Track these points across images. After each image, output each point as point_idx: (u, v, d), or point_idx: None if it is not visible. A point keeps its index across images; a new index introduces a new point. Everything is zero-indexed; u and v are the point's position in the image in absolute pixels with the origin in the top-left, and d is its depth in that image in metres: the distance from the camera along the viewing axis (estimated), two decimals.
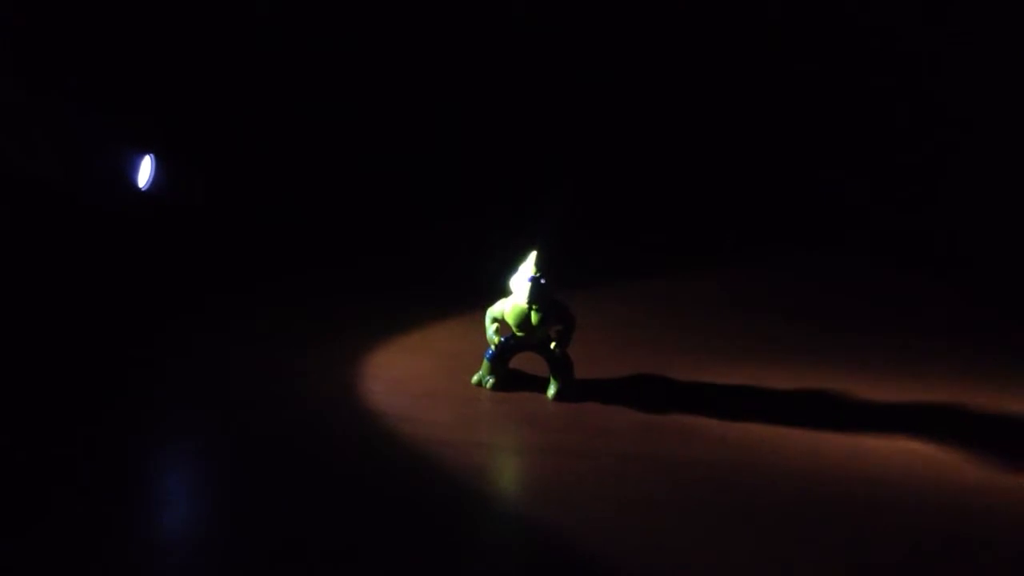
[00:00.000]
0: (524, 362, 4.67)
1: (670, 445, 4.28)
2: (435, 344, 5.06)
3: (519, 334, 4.57)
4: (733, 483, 4.04)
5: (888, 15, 6.76)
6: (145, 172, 5.29)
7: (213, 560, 3.58)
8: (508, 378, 4.65)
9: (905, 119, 6.79)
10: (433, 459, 4.13)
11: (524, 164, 6.73)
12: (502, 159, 6.76)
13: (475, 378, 4.67)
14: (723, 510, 3.88)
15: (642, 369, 4.83)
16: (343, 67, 6.69)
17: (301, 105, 6.56)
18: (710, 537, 3.73)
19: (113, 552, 3.55)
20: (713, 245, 6.50)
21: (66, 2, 5.44)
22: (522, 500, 4.06)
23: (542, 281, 4.46)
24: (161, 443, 4.24)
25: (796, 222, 6.60)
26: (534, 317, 4.52)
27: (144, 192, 5.31)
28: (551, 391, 4.59)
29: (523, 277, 4.49)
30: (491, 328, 4.60)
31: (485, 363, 4.64)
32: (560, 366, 4.58)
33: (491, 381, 4.64)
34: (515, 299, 4.53)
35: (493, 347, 4.61)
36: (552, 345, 4.57)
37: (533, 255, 4.50)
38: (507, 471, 4.28)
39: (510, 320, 4.56)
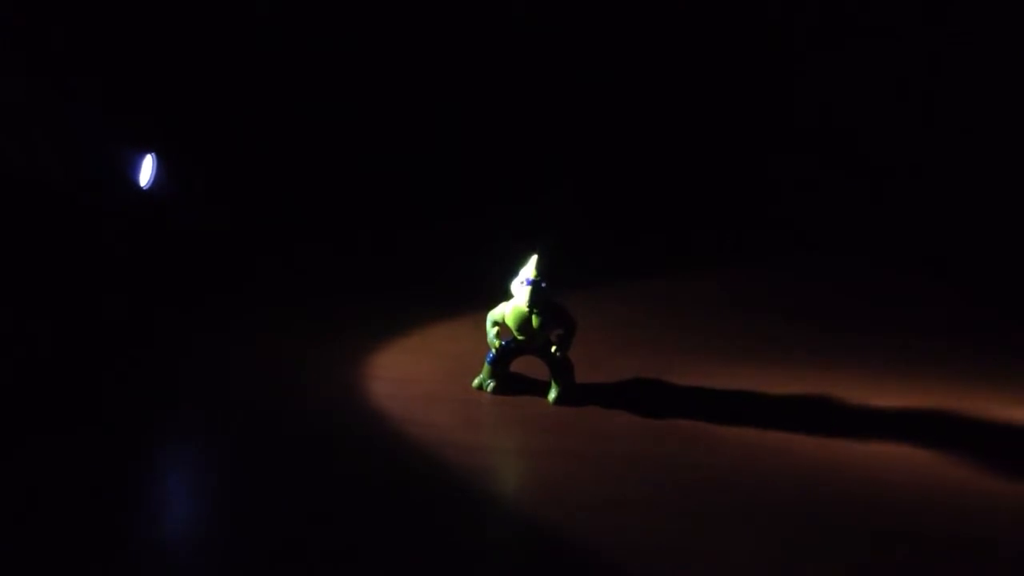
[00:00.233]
0: (525, 366, 4.67)
1: (671, 447, 4.28)
2: (436, 346, 5.05)
3: (520, 338, 4.57)
4: (734, 484, 4.04)
5: (888, 15, 6.76)
6: (147, 171, 5.29)
7: (213, 560, 3.58)
8: (509, 381, 4.65)
9: (905, 119, 6.79)
10: (434, 461, 4.13)
11: (524, 164, 6.73)
12: (502, 159, 6.76)
13: (476, 381, 4.66)
14: (724, 511, 3.88)
15: (642, 370, 4.83)
16: (343, 67, 6.69)
17: (301, 105, 6.56)
18: (711, 538, 3.73)
19: (113, 552, 3.55)
20: (713, 245, 6.50)
21: (66, 2, 5.44)
22: (523, 502, 4.05)
23: (543, 285, 4.46)
24: (161, 443, 4.24)
25: (796, 222, 6.60)
26: (535, 321, 4.52)
27: (145, 191, 5.31)
28: (552, 395, 4.58)
29: (524, 281, 4.49)
30: (492, 331, 4.59)
31: (486, 366, 4.64)
32: (561, 370, 4.57)
33: (492, 384, 4.63)
34: (516, 302, 4.53)
35: (494, 350, 4.61)
36: (553, 349, 4.56)
37: (534, 258, 4.49)
38: (508, 473, 4.28)
39: (511, 324, 4.55)
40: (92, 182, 5.25)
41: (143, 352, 4.89)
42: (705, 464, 4.17)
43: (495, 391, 4.63)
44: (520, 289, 4.49)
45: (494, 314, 4.59)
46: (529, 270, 4.48)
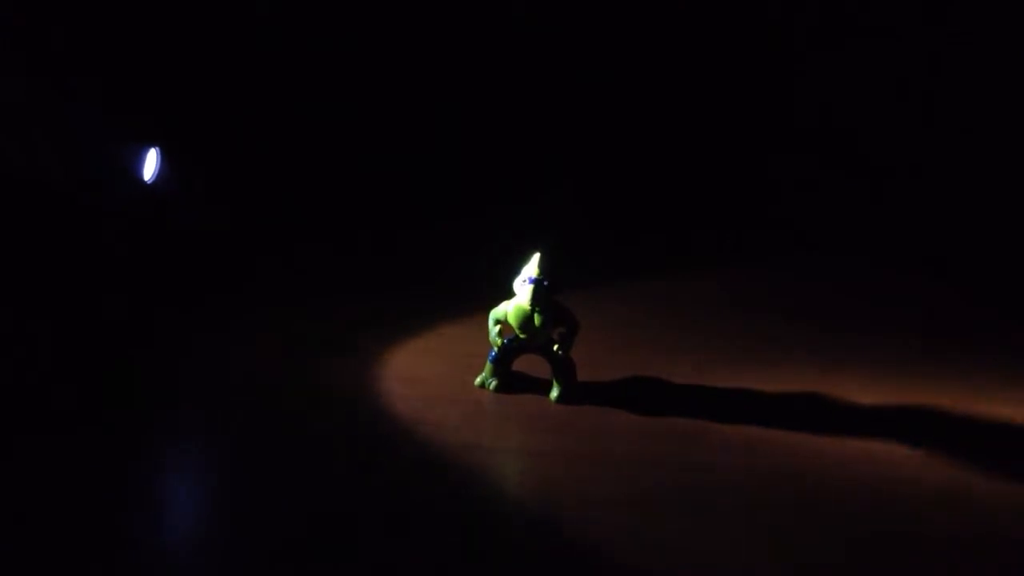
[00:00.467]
0: (527, 364, 4.67)
1: (672, 447, 4.28)
2: (437, 345, 5.05)
3: (522, 336, 4.57)
4: (736, 484, 4.04)
5: (888, 15, 6.76)
6: (151, 166, 5.28)
7: (213, 560, 3.58)
8: (511, 380, 4.65)
9: (905, 119, 6.79)
10: (435, 460, 4.13)
11: (524, 164, 6.73)
12: (502, 159, 6.76)
13: (478, 380, 4.67)
14: (725, 510, 3.88)
15: (643, 370, 4.83)
16: (343, 67, 6.68)
17: (301, 105, 6.56)
18: (712, 538, 3.73)
19: (113, 552, 3.55)
20: (713, 245, 6.50)
21: (66, 2, 5.44)
22: (524, 501, 4.06)
23: (545, 283, 4.46)
24: (161, 443, 4.24)
25: (796, 222, 6.60)
26: (537, 319, 4.52)
27: (148, 186, 5.30)
28: (554, 393, 4.58)
29: (526, 279, 4.49)
30: (494, 330, 4.59)
31: (488, 365, 4.64)
32: (563, 368, 4.57)
33: (494, 383, 4.64)
34: (518, 301, 4.53)
35: (496, 349, 4.61)
36: (555, 347, 4.57)
37: (536, 257, 4.50)
38: (509, 473, 4.28)
39: (513, 322, 4.55)
40: (92, 182, 5.24)
41: (143, 352, 4.89)
42: (707, 464, 4.17)
43: (497, 390, 4.63)
44: (522, 288, 4.49)
45: (496, 313, 4.59)
46: (532, 269, 4.48)
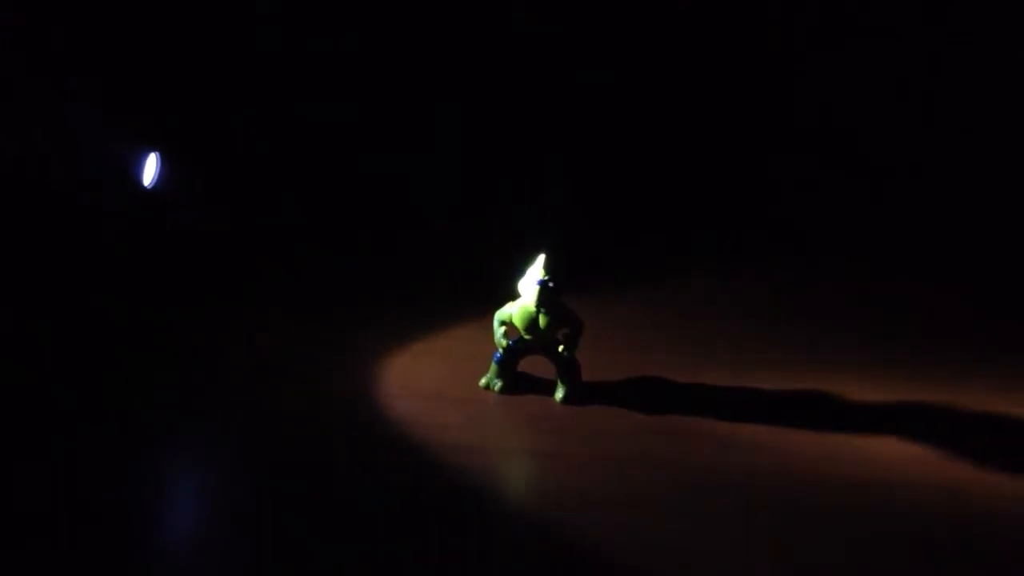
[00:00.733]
0: (532, 365, 4.67)
1: (677, 448, 4.28)
2: (441, 346, 5.05)
3: (527, 337, 4.57)
4: (736, 484, 4.04)
5: (888, 15, 6.76)
6: (151, 170, 5.28)
7: (213, 560, 3.58)
8: (516, 381, 4.65)
9: (905, 119, 6.78)
10: (439, 461, 4.12)
11: (524, 164, 6.73)
12: (502, 159, 6.76)
13: (483, 381, 4.66)
14: (726, 511, 3.88)
15: (646, 371, 4.83)
16: (343, 67, 6.68)
17: (301, 105, 6.56)
18: (715, 538, 3.73)
19: (113, 552, 3.55)
20: (713, 245, 6.49)
21: (66, 2, 5.44)
22: (529, 503, 4.06)
23: (551, 284, 4.46)
24: (161, 444, 4.24)
25: (796, 222, 6.60)
26: (542, 320, 4.52)
27: (148, 190, 5.30)
28: (559, 394, 4.58)
29: (532, 280, 4.49)
30: (499, 331, 4.59)
31: (493, 366, 4.64)
32: (568, 369, 4.57)
33: (499, 384, 4.63)
34: (523, 302, 4.53)
35: (501, 350, 4.61)
36: (560, 348, 4.57)
37: (542, 258, 4.50)
38: (514, 474, 4.28)
39: (518, 323, 4.55)
40: (92, 182, 5.24)
41: (143, 352, 4.89)
42: (712, 466, 4.17)
43: (502, 391, 4.63)
44: (528, 288, 4.49)
45: (501, 314, 4.59)
46: (537, 269, 4.49)
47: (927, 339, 5.31)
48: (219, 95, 6.19)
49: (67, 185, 5.19)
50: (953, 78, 6.68)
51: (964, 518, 3.88)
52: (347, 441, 4.27)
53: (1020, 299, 5.82)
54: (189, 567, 3.56)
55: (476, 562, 3.59)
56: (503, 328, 4.60)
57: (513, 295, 4.57)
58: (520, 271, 4.54)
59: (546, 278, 4.46)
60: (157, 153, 5.29)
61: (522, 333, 4.57)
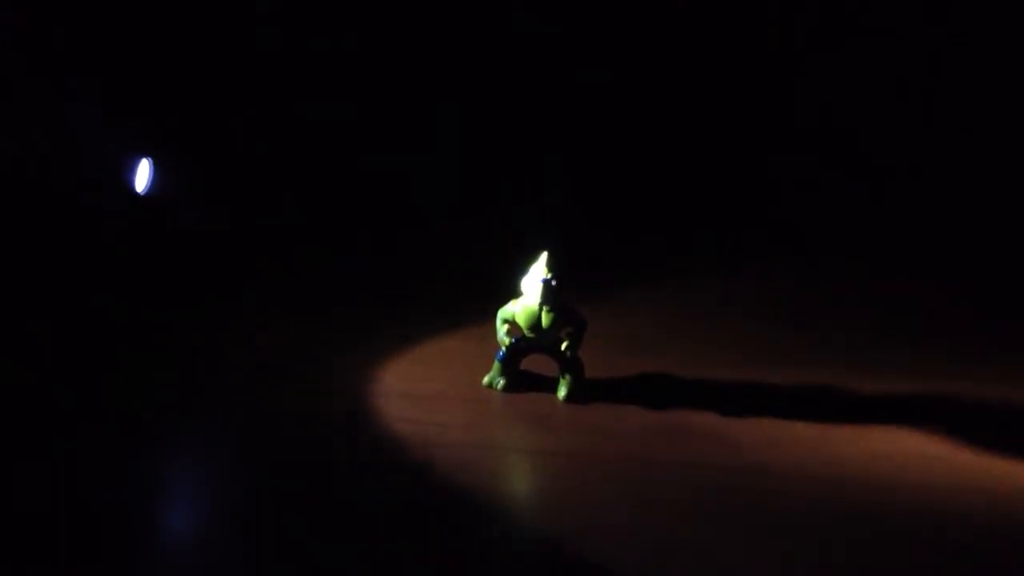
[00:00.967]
0: (535, 363, 4.67)
1: (680, 448, 4.28)
2: (444, 345, 5.05)
3: (530, 336, 4.57)
4: (743, 486, 4.03)
5: (888, 15, 6.76)
6: (143, 176, 5.28)
7: (213, 560, 3.58)
8: (519, 379, 4.65)
9: (905, 119, 6.79)
10: (443, 460, 4.12)
11: (524, 164, 6.73)
12: (502, 159, 6.76)
13: (486, 379, 4.66)
14: (733, 512, 3.88)
15: (646, 369, 4.83)
16: (343, 67, 6.68)
17: (301, 105, 6.56)
18: (719, 540, 3.72)
19: (113, 552, 3.55)
20: (713, 245, 6.50)
21: (66, 2, 5.44)
22: (532, 502, 4.06)
23: (554, 283, 4.46)
24: (161, 443, 4.23)
25: (796, 222, 6.60)
26: (545, 319, 4.52)
27: (142, 196, 5.30)
28: (562, 393, 4.59)
29: (535, 279, 4.49)
30: (502, 330, 4.59)
31: (496, 364, 4.64)
32: (571, 368, 4.58)
33: (502, 382, 4.63)
34: (526, 300, 4.53)
35: (504, 348, 4.61)
36: (563, 347, 4.57)
37: (544, 256, 4.50)
38: (517, 473, 4.28)
39: (521, 322, 4.56)
40: (91, 182, 5.24)
41: (143, 353, 4.89)
42: (715, 466, 4.16)
43: (505, 389, 4.63)
44: (531, 287, 4.49)
45: (504, 312, 4.59)
46: (540, 268, 4.49)
47: (927, 339, 5.32)
48: (219, 95, 6.19)
49: (67, 185, 5.19)
50: (953, 78, 6.69)
51: (964, 518, 3.88)
52: (347, 441, 4.27)
53: (1020, 299, 5.82)
54: (189, 567, 3.55)
55: (476, 562, 3.59)
56: (506, 326, 4.60)
57: (515, 294, 4.57)
58: (521, 270, 4.54)
59: (549, 276, 4.46)
60: (149, 159, 5.28)
61: (525, 332, 4.57)
